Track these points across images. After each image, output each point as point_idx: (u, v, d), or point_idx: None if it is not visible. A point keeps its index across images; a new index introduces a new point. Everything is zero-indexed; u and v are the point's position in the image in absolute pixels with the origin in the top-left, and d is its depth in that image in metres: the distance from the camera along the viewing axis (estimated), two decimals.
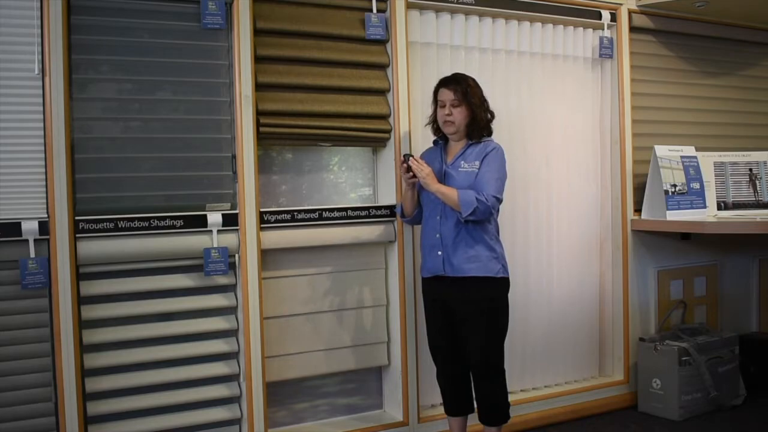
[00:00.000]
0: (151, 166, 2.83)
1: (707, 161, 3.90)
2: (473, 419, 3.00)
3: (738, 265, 4.29)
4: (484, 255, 2.78)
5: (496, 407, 2.86)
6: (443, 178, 2.84)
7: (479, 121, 2.83)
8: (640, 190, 3.79)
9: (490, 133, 2.90)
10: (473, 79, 2.88)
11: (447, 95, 2.83)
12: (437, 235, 2.82)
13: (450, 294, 2.82)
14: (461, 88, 2.81)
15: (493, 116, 2.90)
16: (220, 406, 2.92)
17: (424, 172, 2.76)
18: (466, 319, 2.80)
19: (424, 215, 2.91)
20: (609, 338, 3.86)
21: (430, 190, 2.78)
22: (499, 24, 3.48)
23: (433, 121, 2.95)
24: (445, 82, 2.86)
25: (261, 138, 2.94)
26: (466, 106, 2.81)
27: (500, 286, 2.83)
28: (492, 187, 2.75)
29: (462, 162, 2.83)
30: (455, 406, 2.97)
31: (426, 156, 2.96)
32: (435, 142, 2.99)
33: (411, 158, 2.79)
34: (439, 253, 2.81)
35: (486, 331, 2.79)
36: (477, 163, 2.80)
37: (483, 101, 2.86)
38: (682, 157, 3.74)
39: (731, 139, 4.16)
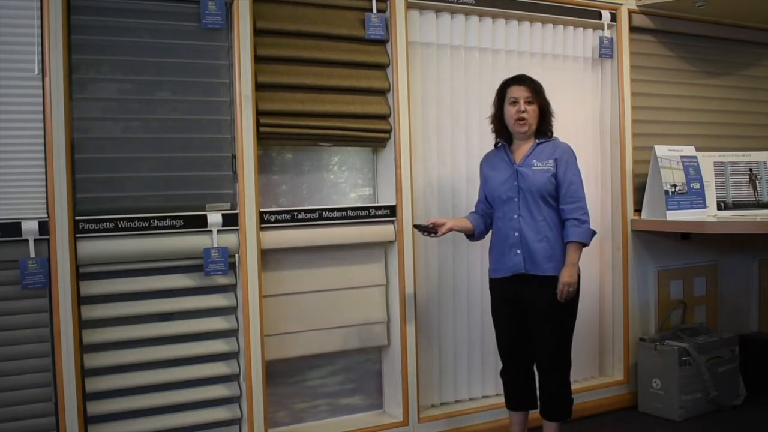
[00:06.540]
0: (151, 166, 2.82)
1: (707, 161, 3.90)
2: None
3: (738, 265, 4.28)
4: (562, 253, 2.78)
5: (559, 402, 2.84)
6: (516, 177, 2.82)
7: (548, 119, 2.86)
8: (640, 190, 3.79)
9: (552, 131, 2.92)
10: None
11: (520, 92, 2.81)
12: (516, 234, 2.80)
13: (526, 290, 2.81)
14: (534, 86, 2.83)
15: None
16: (220, 406, 2.92)
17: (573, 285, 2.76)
18: (541, 313, 2.79)
19: (496, 215, 2.89)
20: (609, 338, 3.86)
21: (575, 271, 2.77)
22: (499, 24, 3.48)
23: (496, 122, 2.92)
24: (517, 80, 2.86)
25: (261, 138, 2.94)
26: (538, 104, 2.82)
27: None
28: (581, 192, 2.82)
29: (534, 161, 2.82)
30: (517, 400, 2.96)
31: (490, 158, 2.96)
32: (496, 145, 2.96)
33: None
34: (518, 251, 2.80)
35: (560, 325, 2.80)
36: (551, 162, 2.80)
37: (548, 101, 2.89)
38: (682, 157, 3.74)
39: (731, 139, 4.16)
